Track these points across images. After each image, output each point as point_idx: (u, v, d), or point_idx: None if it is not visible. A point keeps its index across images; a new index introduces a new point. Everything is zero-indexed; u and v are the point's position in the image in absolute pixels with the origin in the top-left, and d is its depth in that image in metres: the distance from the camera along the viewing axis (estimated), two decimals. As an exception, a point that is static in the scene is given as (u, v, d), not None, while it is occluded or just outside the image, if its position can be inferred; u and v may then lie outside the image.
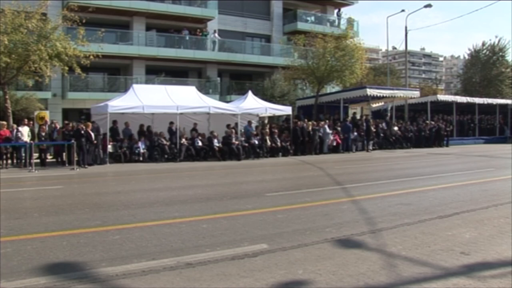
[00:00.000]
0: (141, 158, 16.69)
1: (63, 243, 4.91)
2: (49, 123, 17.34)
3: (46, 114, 20.03)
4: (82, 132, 15.00)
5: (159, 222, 6.00)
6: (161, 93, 18.47)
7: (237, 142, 17.95)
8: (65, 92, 26.16)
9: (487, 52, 44.54)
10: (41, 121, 17.91)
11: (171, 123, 17.60)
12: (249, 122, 19.95)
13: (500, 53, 43.91)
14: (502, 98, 35.85)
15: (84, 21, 17.03)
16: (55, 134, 16.49)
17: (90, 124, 15.78)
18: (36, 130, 16.46)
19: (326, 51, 23.76)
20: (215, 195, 8.37)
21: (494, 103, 30.71)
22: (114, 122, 17.28)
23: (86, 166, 14.65)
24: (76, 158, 14.62)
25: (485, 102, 29.92)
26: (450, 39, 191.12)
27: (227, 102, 22.88)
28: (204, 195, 8.41)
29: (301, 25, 32.14)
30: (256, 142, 18.50)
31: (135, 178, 12.35)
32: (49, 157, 16.46)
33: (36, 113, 20.38)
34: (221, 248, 4.65)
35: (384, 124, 24.57)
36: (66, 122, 16.79)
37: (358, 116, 25.91)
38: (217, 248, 4.64)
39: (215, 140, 17.95)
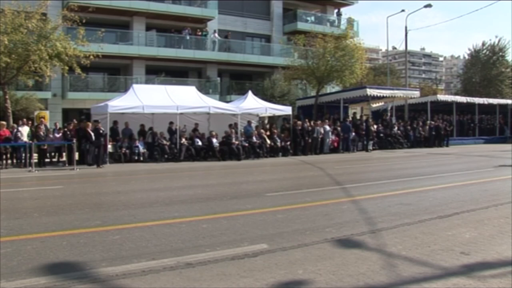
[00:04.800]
0: (141, 158, 16.70)
1: (63, 243, 4.90)
2: (45, 122, 17.26)
3: (46, 114, 20.06)
4: (101, 131, 15.10)
5: (159, 222, 6.00)
6: (161, 93, 18.47)
7: (237, 142, 17.96)
8: (65, 92, 26.17)
9: (487, 52, 44.60)
10: (38, 121, 17.90)
11: (171, 123, 17.60)
12: (249, 122, 19.96)
13: (500, 53, 43.97)
14: (502, 98, 35.85)
15: (84, 21, 17.03)
16: (55, 134, 16.49)
17: (90, 124, 15.80)
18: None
19: (326, 51, 23.74)
20: (215, 195, 8.37)
21: (494, 103, 30.70)
22: (115, 122, 17.30)
23: (105, 165, 14.99)
24: (76, 158, 14.64)
25: (485, 102, 29.91)
26: (450, 39, 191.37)
27: (227, 102, 22.88)
28: (204, 195, 8.40)
29: (301, 25, 32.15)
30: (255, 140, 18.49)
31: (135, 178, 12.35)
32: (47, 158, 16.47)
33: (36, 113, 20.41)
34: (221, 248, 4.64)
35: (382, 124, 24.55)
36: (83, 121, 16.88)
37: (358, 116, 25.91)
38: (217, 248, 4.64)
39: (215, 140, 17.96)
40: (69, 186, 10.29)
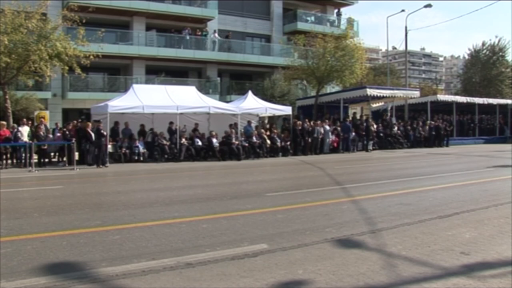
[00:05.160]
0: (141, 158, 16.70)
1: (63, 243, 4.90)
2: (45, 122, 17.26)
3: (46, 114, 20.05)
4: (103, 132, 15.16)
5: (159, 222, 6.00)
6: (161, 93, 18.46)
7: (237, 142, 17.96)
8: (65, 92, 26.18)
9: (487, 52, 44.60)
10: (38, 121, 17.89)
11: (171, 123, 17.61)
12: (249, 122, 19.96)
13: (500, 53, 43.97)
14: (502, 98, 35.85)
15: (84, 21, 17.02)
16: (57, 133, 16.50)
17: (89, 124, 15.81)
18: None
19: (326, 51, 23.74)
20: (215, 195, 8.37)
21: (494, 103, 30.71)
22: (116, 123, 17.30)
23: (107, 165, 15.08)
24: (76, 158, 14.63)
25: (485, 102, 29.91)
26: (450, 39, 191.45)
27: (227, 102, 22.88)
28: (204, 195, 8.40)
29: (301, 25, 32.15)
30: (255, 140, 18.49)
31: (135, 178, 12.35)
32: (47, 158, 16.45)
33: (36, 113, 20.40)
34: (221, 248, 4.64)
35: (382, 124, 24.54)
36: (83, 121, 16.91)
37: (358, 116, 25.92)
38: (217, 248, 4.64)
39: (215, 140, 17.96)
40: (69, 186, 10.29)
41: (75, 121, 17.64)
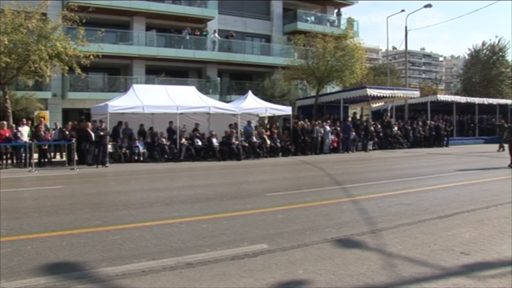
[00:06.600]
0: (141, 158, 16.70)
1: (63, 243, 4.91)
2: (45, 122, 17.24)
3: (46, 114, 20.04)
4: (102, 133, 15.18)
5: (159, 222, 6.00)
6: (161, 93, 18.47)
7: (237, 142, 17.96)
8: (65, 92, 26.17)
9: (487, 52, 44.61)
10: (38, 121, 17.88)
11: (171, 123, 17.61)
12: (249, 122, 19.96)
13: (500, 53, 43.99)
14: (502, 98, 35.86)
15: (84, 21, 17.01)
16: (57, 133, 16.49)
17: (89, 124, 15.82)
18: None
19: (326, 51, 23.75)
20: (215, 195, 8.37)
21: (494, 103, 30.72)
22: (120, 123, 17.31)
23: (107, 165, 15.11)
24: (76, 158, 14.63)
25: (485, 102, 29.92)
26: (450, 39, 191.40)
27: (227, 102, 22.88)
28: (204, 195, 8.41)
29: (301, 25, 32.14)
30: (255, 140, 18.49)
31: (135, 178, 12.35)
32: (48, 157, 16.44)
33: (36, 113, 20.39)
34: (221, 248, 4.65)
35: (381, 125, 24.53)
36: (83, 121, 16.94)
37: (358, 116, 25.92)
38: (217, 248, 4.64)
39: (215, 140, 17.96)
40: (69, 186, 10.29)
41: (75, 122, 17.63)
